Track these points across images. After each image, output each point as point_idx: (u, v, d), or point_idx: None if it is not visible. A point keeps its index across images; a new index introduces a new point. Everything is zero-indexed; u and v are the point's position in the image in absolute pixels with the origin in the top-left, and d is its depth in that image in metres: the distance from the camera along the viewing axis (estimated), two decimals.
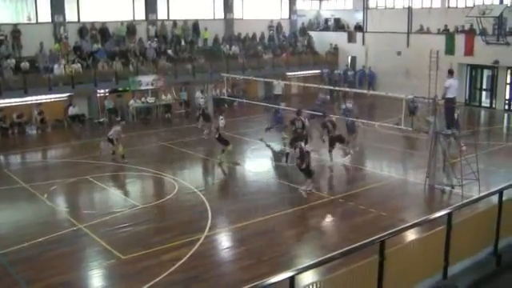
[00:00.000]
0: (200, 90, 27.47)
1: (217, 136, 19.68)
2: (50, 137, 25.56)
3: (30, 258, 12.08)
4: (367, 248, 6.89)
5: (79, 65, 28.34)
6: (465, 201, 11.20)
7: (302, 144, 16.25)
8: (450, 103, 19.87)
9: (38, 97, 26.77)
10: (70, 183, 17.64)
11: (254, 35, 37.22)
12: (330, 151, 19.44)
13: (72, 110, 27.11)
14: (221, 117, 19.78)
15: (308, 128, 19.60)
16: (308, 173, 15.98)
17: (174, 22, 33.67)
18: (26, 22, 28.82)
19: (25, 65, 27.19)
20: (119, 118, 27.99)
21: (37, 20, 29.22)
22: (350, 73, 36.40)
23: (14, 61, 26.99)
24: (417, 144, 21.31)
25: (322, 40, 39.37)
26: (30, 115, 26.32)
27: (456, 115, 19.28)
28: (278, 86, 30.94)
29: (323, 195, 16.27)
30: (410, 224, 9.00)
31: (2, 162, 21.44)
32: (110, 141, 20.11)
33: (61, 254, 12.32)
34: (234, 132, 23.51)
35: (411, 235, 10.19)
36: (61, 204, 16.26)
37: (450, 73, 20.64)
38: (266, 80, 29.47)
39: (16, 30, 27.92)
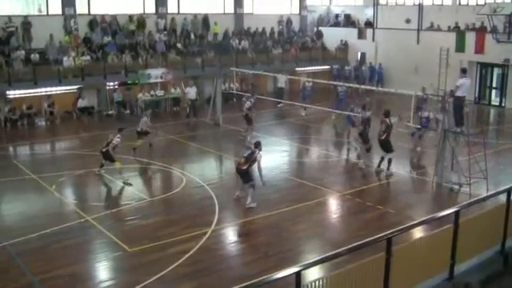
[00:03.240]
0: (190, 84, 27.35)
1: (104, 150, 17.37)
2: (59, 129, 25.65)
3: (38, 248, 12.15)
4: (374, 245, 6.89)
5: (89, 57, 28.44)
6: (473, 199, 11.17)
7: (258, 151, 14.88)
8: (459, 101, 19.80)
9: (48, 88, 26.86)
10: (78, 175, 17.71)
11: (264, 30, 37.18)
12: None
13: (81, 102, 27.23)
14: (118, 135, 17.49)
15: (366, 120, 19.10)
16: (248, 179, 14.84)
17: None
18: (37, 13, 28.89)
19: (35, 56, 27.30)
20: (128, 111, 28.19)
21: (47, 12, 29.29)
22: (363, 68, 36.34)
23: (23, 52, 27.09)
24: (425, 141, 21.23)
25: (331, 36, 39.26)
26: (39, 107, 26.44)
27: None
28: (282, 80, 31.07)
29: (330, 191, 16.26)
30: (417, 222, 8.99)
31: (11, 153, 21.57)
32: (143, 133, 20.09)
33: (68, 245, 12.38)
34: (243, 126, 23.48)
35: (418, 233, 10.21)
36: (69, 196, 16.32)
37: (464, 71, 20.55)
38: (275, 75, 29.56)
39: (26, 22, 28.00)
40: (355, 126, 20.09)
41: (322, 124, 25.66)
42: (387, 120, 17.83)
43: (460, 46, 30.89)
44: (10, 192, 16.42)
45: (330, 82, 27.45)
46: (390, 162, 17.89)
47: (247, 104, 22.29)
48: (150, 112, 21.22)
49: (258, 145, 15.21)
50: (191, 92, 26.86)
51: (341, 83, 27.26)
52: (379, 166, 18.17)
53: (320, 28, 40.62)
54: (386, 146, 17.88)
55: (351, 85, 27.22)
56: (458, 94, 19.76)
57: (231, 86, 29.44)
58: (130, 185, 16.84)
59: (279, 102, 28.34)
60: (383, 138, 17.78)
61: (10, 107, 25.28)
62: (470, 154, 15.71)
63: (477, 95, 31.57)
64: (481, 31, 30.75)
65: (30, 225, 13.38)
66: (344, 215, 14.82)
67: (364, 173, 18.22)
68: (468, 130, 17.45)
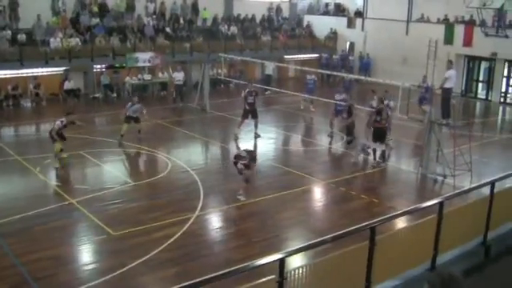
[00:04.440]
0: (178, 69, 27.16)
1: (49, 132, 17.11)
2: (44, 110, 25.41)
3: (21, 231, 12.09)
4: (358, 234, 6.91)
5: (77, 39, 28.16)
6: (457, 191, 11.24)
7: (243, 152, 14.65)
8: (446, 93, 19.88)
9: (34, 70, 26.61)
10: (63, 158, 17.53)
11: (254, 17, 37.02)
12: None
13: (68, 85, 27.00)
14: (62, 119, 17.09)
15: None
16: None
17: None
18: None
19: (21, 37, 27.00)
20: (115, 94, 27.96)
21: None
22: (351, 58, 36.36)
23: (10, 32, 26.77)
24: (411, 133, 21.32)
25: (321, 24, 39.14)
26: (25, 88, 26.18)
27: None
28: (270, 67, 31.08)
29: (316, 180, 16.31)
30: (401, 212, 9.04)
31: None
32: (131, 118, 19.68)
33: (51, 228, 12.33)
34: (230, 113, 23.46)
35: (402, 223, 10.27)
36: (53, 178, 16.22)
37: (451, 63, 20.63)
38: (264, 62, 29.51)
39: (14, 1, 27.67)
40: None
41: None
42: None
43: (448, 39, 30.92)
44: None
45: (335, 73, 27.50)
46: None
47: (242, 93, 21.20)
48: (136, 99, 20.27)
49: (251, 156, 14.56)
50: (178, 77, 26.76)
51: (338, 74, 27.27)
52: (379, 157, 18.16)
53: (303, 16, 40.39)
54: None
55: (339, 73, 27.17)
56: (447, 85, 19.84)
57: (219, 71, 29.32)
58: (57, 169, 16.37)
59: (267, 89, 28.28)
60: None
61: None
62: (456, 147, 15.80)
63: (463, 88, 31.70)
64: (469, 24, 30.83)
65: (12, 206, 13.30)
66: (328, 204, 14.87)
67: (351, 162, 18.25)
68: (454, 122, 17.52)
